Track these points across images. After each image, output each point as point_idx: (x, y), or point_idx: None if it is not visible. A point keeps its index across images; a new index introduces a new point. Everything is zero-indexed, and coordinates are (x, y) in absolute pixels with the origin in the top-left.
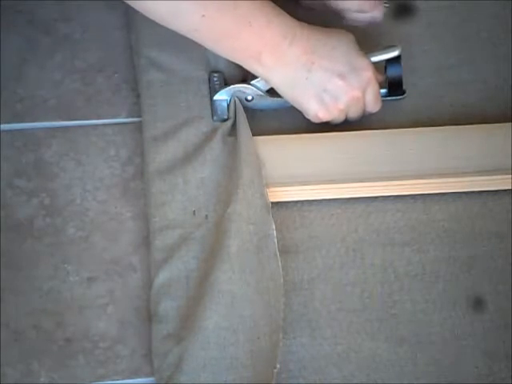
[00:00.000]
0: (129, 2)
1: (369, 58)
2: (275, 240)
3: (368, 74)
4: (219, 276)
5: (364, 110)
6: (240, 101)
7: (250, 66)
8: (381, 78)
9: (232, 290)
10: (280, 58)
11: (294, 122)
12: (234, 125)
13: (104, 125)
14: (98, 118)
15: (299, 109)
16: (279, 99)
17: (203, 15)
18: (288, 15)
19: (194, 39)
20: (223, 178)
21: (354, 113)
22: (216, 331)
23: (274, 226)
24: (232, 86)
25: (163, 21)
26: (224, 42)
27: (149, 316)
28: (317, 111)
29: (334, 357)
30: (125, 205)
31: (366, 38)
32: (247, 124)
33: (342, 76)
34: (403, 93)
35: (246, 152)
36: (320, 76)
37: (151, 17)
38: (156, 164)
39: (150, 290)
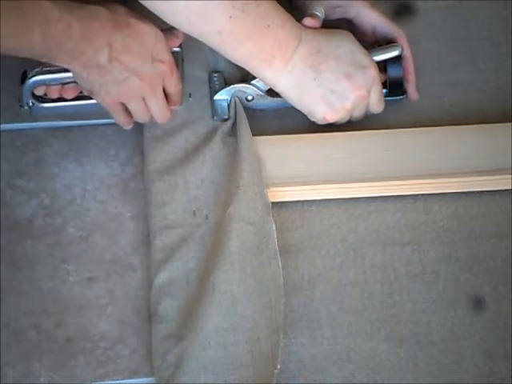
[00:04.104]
0: (152, 4)
1: (372, 57)
2: (275, 240)
3: (373, 73)
4: (219, 276)
5: (367, 111)
6: (240, 101)
7: (261, 71)
8: (383, 77)
9: (232, 291)
10: (289, 61)
11: (294, 122)
12: (233, 125)
13: (104, 125)
14: (98, 118)
15: (305, 112)
16: (279, 99)
17: (230, 16)
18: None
19: (212, 45)
20: (223, 177)
21: (358, 113)
22: (216, 331)
23: (274, 227)
24: (232, 86)
25: (189, 23)
26: (243, 46)
27: (149, 316)
28: (324, 113)
29: (333, 357)
30: (125, 205)
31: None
32: (247, 124)
33: (348, 75)
34: (404, 93)
35: (246, 152)
36: (328, 77)
37: (175, 19)
38: (156, 164)
39: (150, 290)
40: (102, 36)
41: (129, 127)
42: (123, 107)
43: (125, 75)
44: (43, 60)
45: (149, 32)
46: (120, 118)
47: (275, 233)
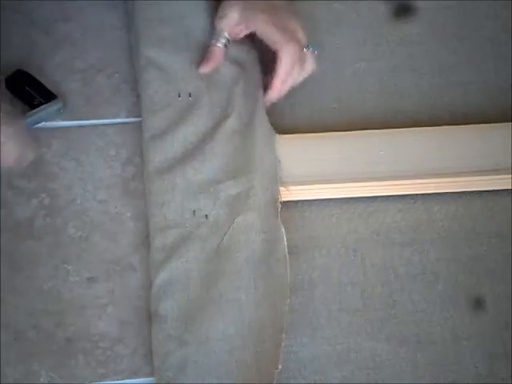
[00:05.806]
0: None
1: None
2: (285, 242)
3: None
4: (228, 286)
5: None
6: None
7: None
8: None
9: (240, 298)
10: None
11: (294, 121)
12: (237, 121)
13: (104, 125)
14: (98, 118)
15: None
16: None
17: None
18: None
19: None
20: (223, 177)
21: None
22: (223, 339)
23: (283, 229)
24: None
25: None
26: None
27: (149, 316)
28: None
29: (333, 357)
30: (125, 205)
31: (365, 39)
32: (263, 123)
33: None
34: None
35: (260, 151)
36: None
37: None
38: (156, 164)
39: (150, 290)
40: None
41: None
42: None
43: None
44: None
45: None
46: None
47: (284, 235)
